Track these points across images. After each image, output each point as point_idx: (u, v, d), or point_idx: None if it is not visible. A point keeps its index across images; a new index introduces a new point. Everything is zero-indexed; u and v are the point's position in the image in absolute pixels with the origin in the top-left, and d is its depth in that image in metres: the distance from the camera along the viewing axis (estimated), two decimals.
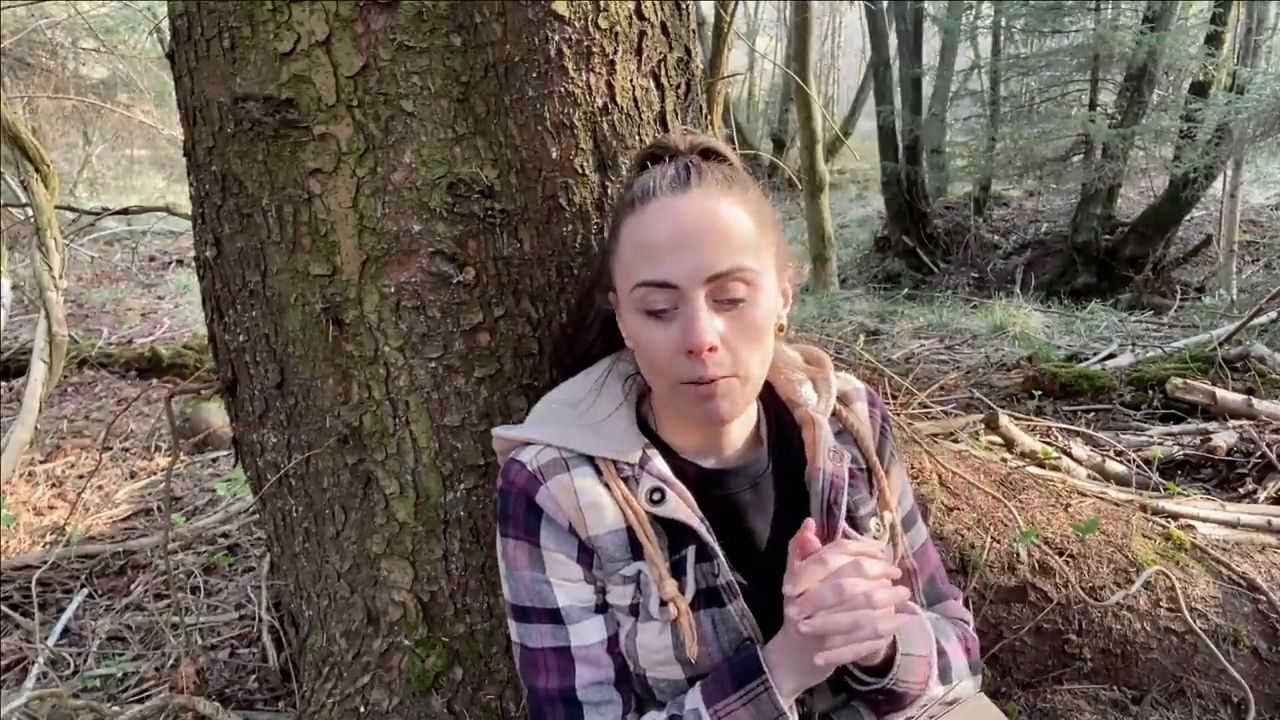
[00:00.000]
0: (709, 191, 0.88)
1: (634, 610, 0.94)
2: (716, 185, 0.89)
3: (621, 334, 0.98)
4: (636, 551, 0.93)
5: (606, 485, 0.93)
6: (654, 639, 0.92)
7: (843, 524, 0.97)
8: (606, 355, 1.05)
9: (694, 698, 0.90)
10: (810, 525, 0.88)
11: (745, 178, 0.94)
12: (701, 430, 0.98)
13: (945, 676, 0.99)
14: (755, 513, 0.99)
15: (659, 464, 0.94)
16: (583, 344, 1.06)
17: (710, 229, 0.86)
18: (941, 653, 0.99)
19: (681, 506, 0.92)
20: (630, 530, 0.93)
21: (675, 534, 0.94)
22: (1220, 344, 3.65)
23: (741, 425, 1.00)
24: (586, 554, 0.94)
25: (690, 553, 0.93)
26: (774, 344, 0.97)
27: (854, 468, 1.03)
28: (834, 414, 1.05)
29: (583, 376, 1.03)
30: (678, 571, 0.93)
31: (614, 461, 0.94)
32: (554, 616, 0.94)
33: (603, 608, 0.95)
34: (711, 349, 0.85)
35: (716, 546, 0.93)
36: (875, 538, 1.01)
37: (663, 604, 0.91)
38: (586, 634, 0.94)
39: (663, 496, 0.92)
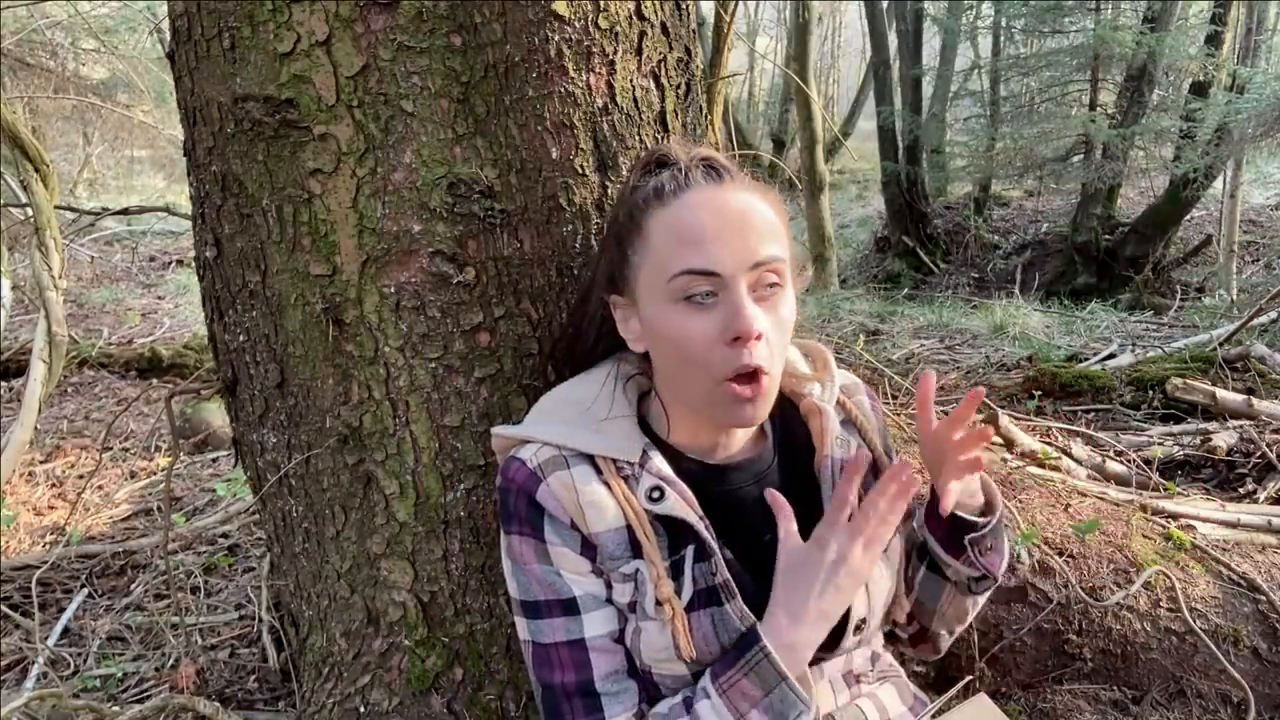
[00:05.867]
0: (743, 185, 0.91)
1: (632, 608, 0.94)
2: (748, 181, 0.93)
3: (624, 337, 0.98)
4: (636, 550, 0.93)
5: (606, 484, 0.93)
6: (656, 637, 0.92)
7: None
8: (606, 359, 1.05)
9: (705, 676, 0.92)
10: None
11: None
12: (709, 428, 0.99)
13: None
14: (759, 508, 0.99)
15: (659, 463, 0.95)
16: (581, 349, 1.06)
17: (752, 218, 0.88)
18: None
19: (680, 504, 0.92)
20: (630, 529, 0.93)
21: (675, 533, 0.94)
22: (1220, 344, 3.65)
23: None
24: (590, 549, 0.94)
25: (689, 552, 0.93)
26: None
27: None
28: (838, 404, 1.06)
29: (584, 377, 1.03)
30: (677, 571, 0.93)
31: (614, 460, 0.94)
32: (568, 607, 0.93)
33: (611, 601, 0.96)
34: (759, 336, 0.86)
35: (715, 545, 0.93)
36: None
37: (658, 604, 0.91)
38: (599, 625, 0.94)
39: (662, 494, 0.92)
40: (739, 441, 1.01)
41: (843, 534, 0.90)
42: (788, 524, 0.92)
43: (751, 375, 0.87)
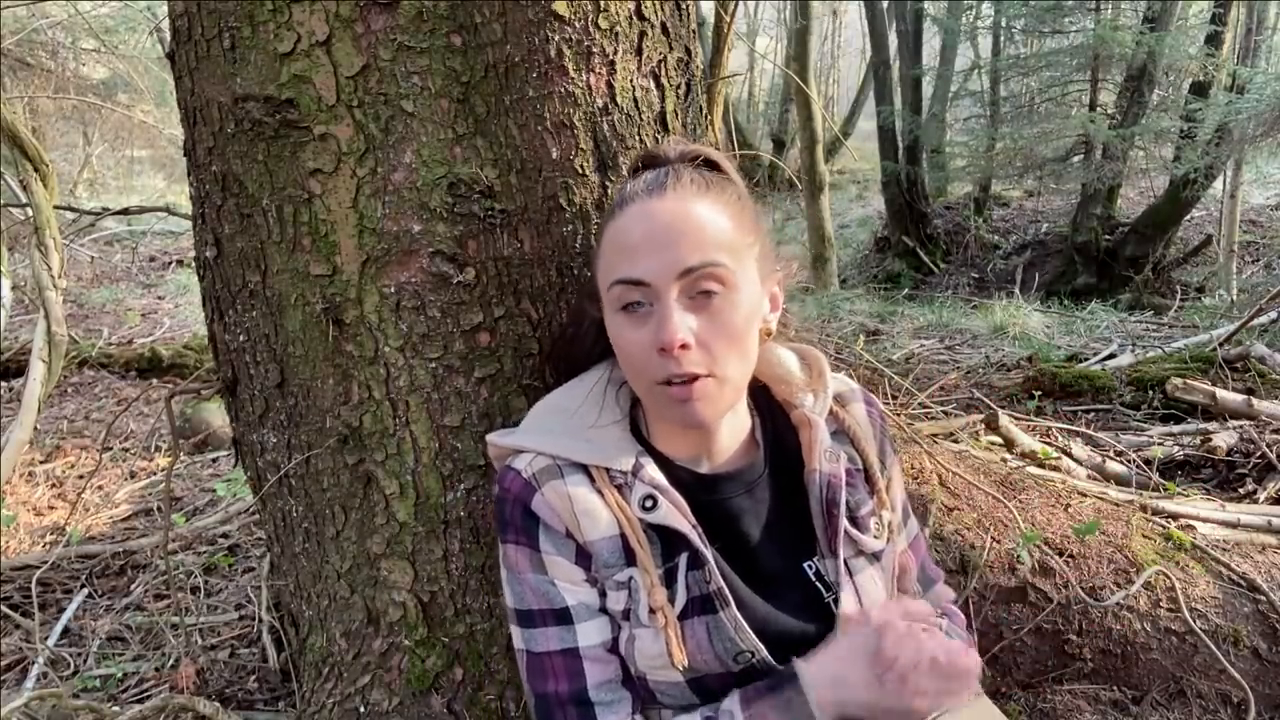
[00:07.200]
0: (684, 193, 0.90)
1: (626, 615, 0.94)
2: (693, 187, 0.91)
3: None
4: (630, 558, 0.93)
5: (600, 492, 0.93)
6: (650, 644, 0.92)
7: (843, 524, 0.97)
8: (600, 363, 1.05)
9: (731, 699, 0.91)
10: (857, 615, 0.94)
11: (730, 182, 0.95)
12: (687, 435, 0.98)
13: None
14: (750, 517, 0.99)
15: (651, 471, 0.94)
16: (578, 351, 1.07)
17: (682, 227, 0.88)
18: None
19: (673, 513, 0.92)
20: (624, 537, 0.93)
21: (668, 541, 0.94)
22: (1220, 344, 3.65)
23: (731, 430, 1.00)
24: (585, 558, 0.94)
25: (683, 560, 0.93)
26: (766, 346, 0.97)
27: (851, 468, 1.03)
28: (831, 414, 1.05)
29: (576, 383, 1.03)
30: (670, 579, 0.93)
31: (606, 469, 0.94)
32: (561, 617, 0.94)
33: (604, 610, 0.96)
34: (683, 346, 0.86)
35: (708, 553, 0.93)
36: (875, 537, 1.01)
37: (652, 611, 0.91)
38: (592, 634, 0.94)
39: (655, 503, 0.92)
40: (724, 450, 1.00)
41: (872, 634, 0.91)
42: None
43: (684, 379, 0.88)
